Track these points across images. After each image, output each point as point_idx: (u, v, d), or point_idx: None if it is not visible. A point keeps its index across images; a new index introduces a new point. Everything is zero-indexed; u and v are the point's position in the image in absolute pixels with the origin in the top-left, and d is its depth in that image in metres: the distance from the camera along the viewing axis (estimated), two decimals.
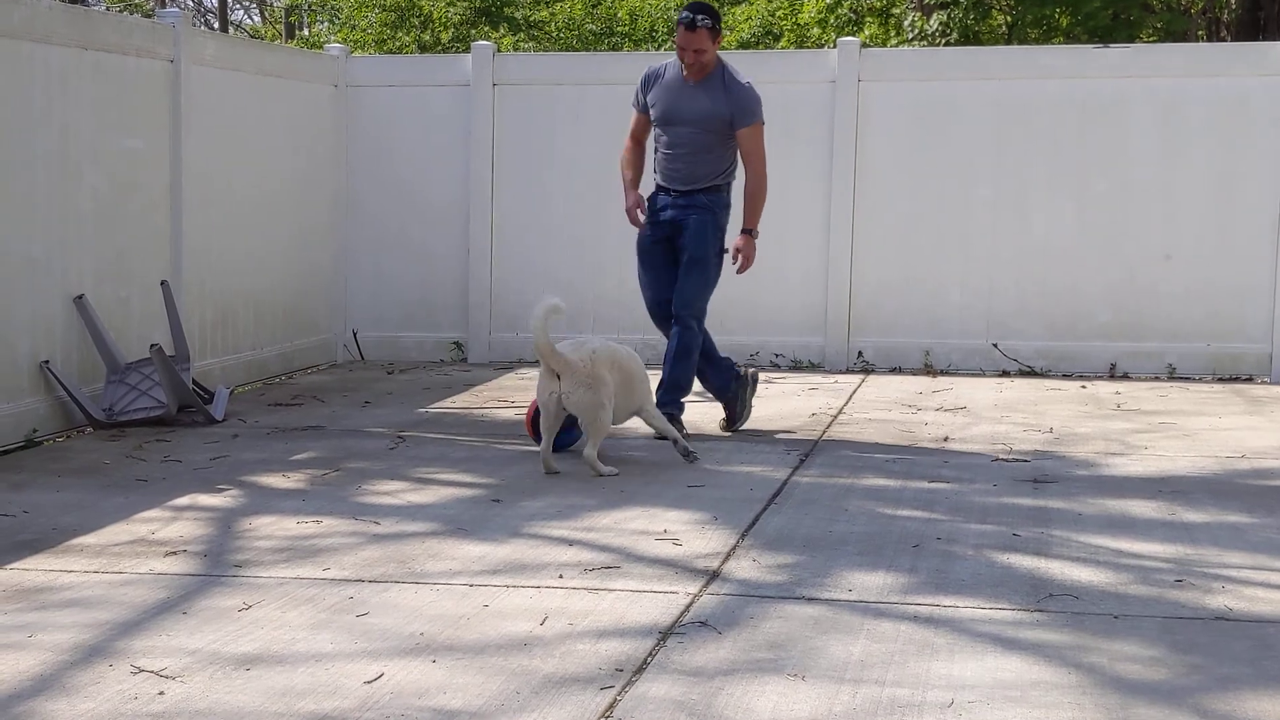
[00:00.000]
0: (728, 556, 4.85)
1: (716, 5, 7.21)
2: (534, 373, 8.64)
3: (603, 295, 9.74)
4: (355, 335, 10.31)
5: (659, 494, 5.80)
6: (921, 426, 7.49)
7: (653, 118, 6.97)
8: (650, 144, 7.07)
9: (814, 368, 9.81)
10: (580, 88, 9.92)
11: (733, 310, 9.36)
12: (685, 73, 6.82)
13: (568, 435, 6.36)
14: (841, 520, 5.36)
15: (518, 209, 10.09)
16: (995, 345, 9.63)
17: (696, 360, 6.90)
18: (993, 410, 8.04)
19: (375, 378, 9.51)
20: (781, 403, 8.20)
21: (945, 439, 7.07)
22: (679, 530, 5.18)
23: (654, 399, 6.45)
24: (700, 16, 6.68)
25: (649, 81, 6.99)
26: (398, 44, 24.18)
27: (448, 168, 10.12)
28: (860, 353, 9.79)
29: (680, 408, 6.88)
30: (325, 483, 6.09)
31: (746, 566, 4.73)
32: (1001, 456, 6.62)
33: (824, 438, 7.14)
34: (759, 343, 9.82)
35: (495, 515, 5.46)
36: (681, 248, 6.89)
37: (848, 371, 9.70)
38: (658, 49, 22.74)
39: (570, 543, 5.05)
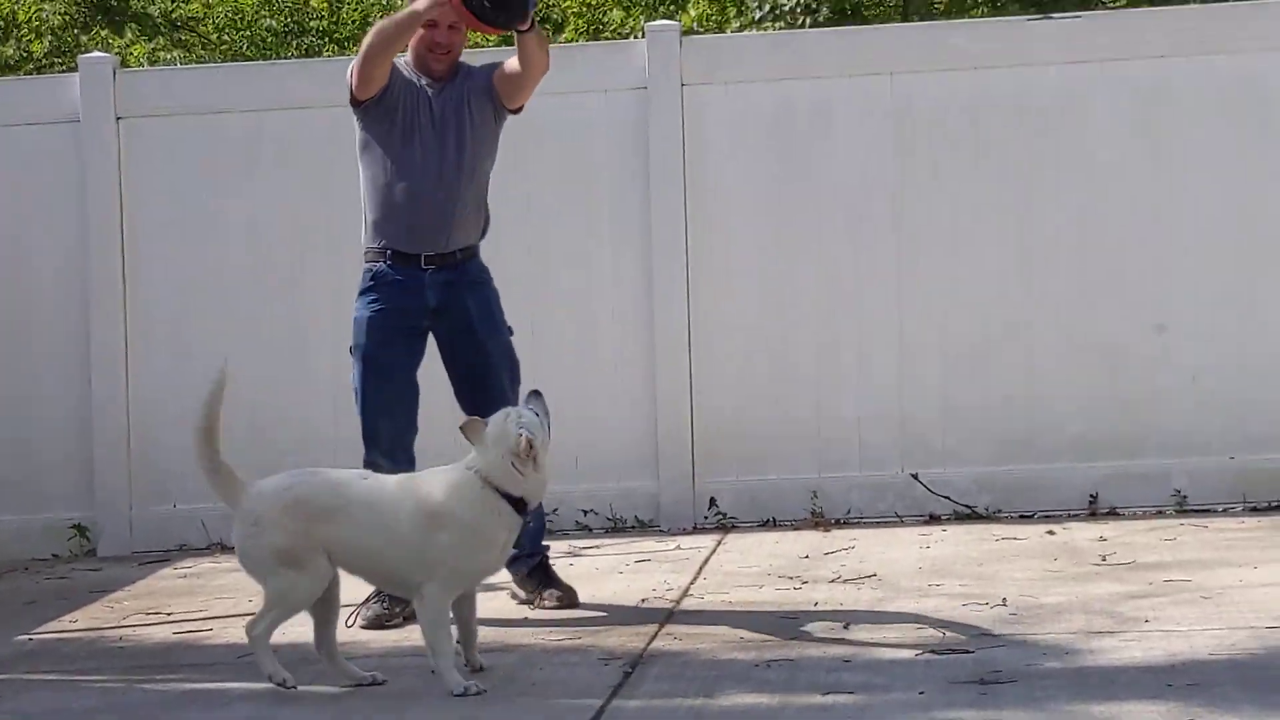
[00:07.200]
0: None
1: None
2: (204, 565, 8.08)
3: (315, 429, 8.58)
4: None
5: None
6: (810, 610, 6.91)
7: (383, 127, 6.36)
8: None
9: (644, 527, 8.67)
10: (256, 115, 8.78)
11: None
12: (430, 73, 6.38)
13: None
14: None
15: (168, 306, 8.84)
16: (915, 477, 8.55)
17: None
18: (916, 577, 7.41)
19: None
20: (595, 585, 7.46)
21: (846, 626, 6.52)
22: None
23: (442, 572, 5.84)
24: None
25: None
26: None
27: (50, 248, 8.88)
28: (713, 500, 8.64)
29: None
30: None
31: None
32: (932, 649, 6.13)
33: (661, 636, 6.53)
34: (558, 494, 8.37)
35: None
36: (465, 339, 6.47)
37: (696, 530, 8.53)
38: None
39: None
